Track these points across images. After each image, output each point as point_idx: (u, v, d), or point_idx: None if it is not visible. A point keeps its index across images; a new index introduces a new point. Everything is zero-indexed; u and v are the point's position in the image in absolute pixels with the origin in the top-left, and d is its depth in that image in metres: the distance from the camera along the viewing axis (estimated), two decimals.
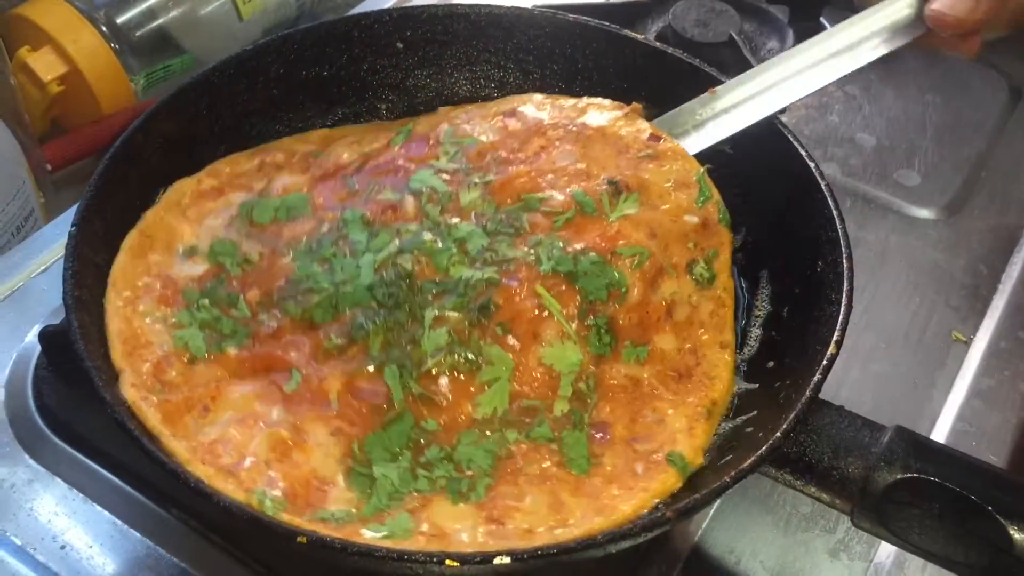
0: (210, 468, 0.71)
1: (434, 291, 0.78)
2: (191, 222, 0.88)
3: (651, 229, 0.83)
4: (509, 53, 1.02)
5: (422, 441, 0.74)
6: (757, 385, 0.82)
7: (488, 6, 1.01)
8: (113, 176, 0.84)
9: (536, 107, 0.93)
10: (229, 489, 0.69)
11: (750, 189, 0.92)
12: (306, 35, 0.98)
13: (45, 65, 1.24)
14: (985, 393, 0.94)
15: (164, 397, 0.75)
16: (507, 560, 0.62)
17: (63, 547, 0.79)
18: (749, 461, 0.67)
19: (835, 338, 0.73)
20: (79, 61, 1.24)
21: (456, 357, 0.75)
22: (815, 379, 0.71)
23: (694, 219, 0.85)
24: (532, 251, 0.80)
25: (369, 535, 0.68)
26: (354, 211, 0.85)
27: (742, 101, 0.91)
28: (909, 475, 0.67)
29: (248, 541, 0.79)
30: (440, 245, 0.81)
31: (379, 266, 0.80)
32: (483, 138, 0.90)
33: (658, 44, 0.98)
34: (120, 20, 1.28)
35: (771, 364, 0.83)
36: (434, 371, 0.75)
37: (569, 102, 0.94)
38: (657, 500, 0.72)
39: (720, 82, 0.93)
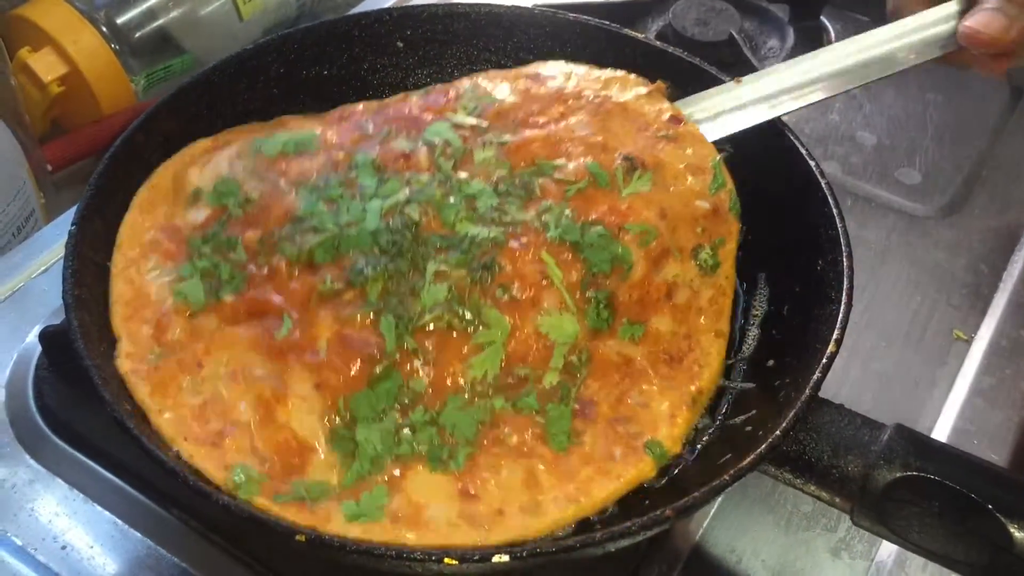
0: (192, 444, 0.70)
1: (439, 244, 0.77)
2: (200, 166, 0.87)
3: (662, 209, 0.82)
4: (509, 52, 1.02)
5: (407, 402, 0.73)
6: (757, 384, 0.82)
7: (488, 5, 1.01)
8: (113, 176, 0.84)
9: (561, 74, 0.93)
10: (210, 468, 0.69)
11: (750, 187, 0.92)
12: (306, 34, 0.98)
13: (45, 66, 1.24)
14: (986, 392, 0.94)
15: (160, 363, 0.75)
16: (506, 558, 0.62)
17: (64, 547, 0.79)
18: (748, 459, 0.67)
19: (835, 336, 0.73)
20: (79, 62, 1.24)
21: (454, 315, 0.74)
22: (815, 377, 0.71)
23: (705, 205, 0.85)
24: (541, 217, 0.79)
25: (341, 521, 0.68)
26: (366, 155, 0.84)
27: (767, 96, 0.91)
28: (909, 473, 0.67)
29: (248, 540, 0.79)
30: (450, 200, 0.80)
31: (386, 213, 0.79)
32: (504, 98, 0.89)
33: (658, 43, 0.98)
34: (120, 20, 1.28)
35: (771, 363, 0.82)
36: (430, 326, 0.74)
37: (595, 73, 0.93)
38: (629, 489, 0.72)
39: (721, 81, 0.93)
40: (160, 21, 1.30)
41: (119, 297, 0.79)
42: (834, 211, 0.81)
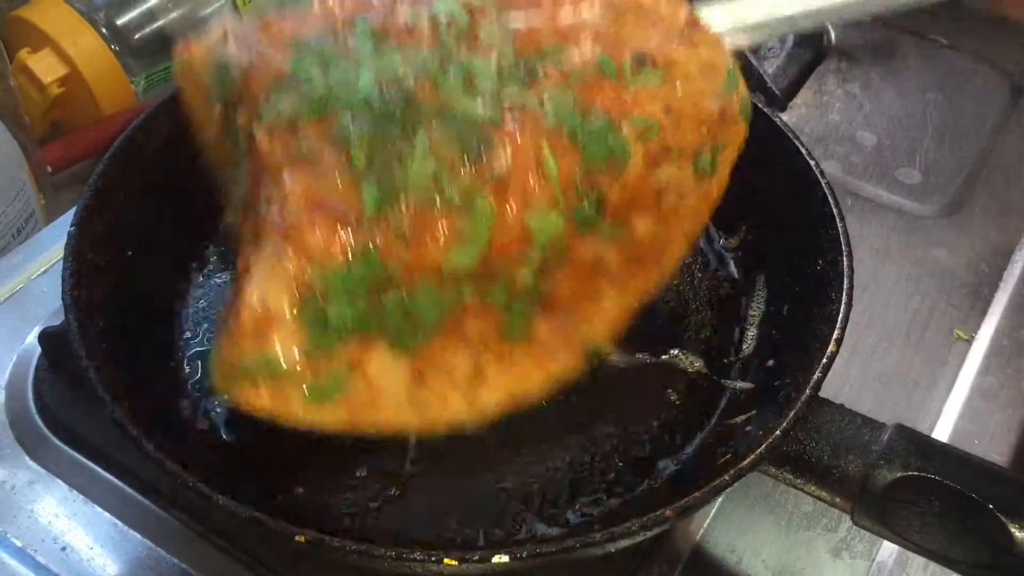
0: None
1: (432, 116, 0.72)
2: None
3: (668, 105, 0.78)
4: None
5: (381, 283, 0.69)
6: (756, 383, 0.82)
7: None
8: (113, 176, 0.84)
9: None
10: None
11: (749, 187, 0.92)
12: None
13: (45, 67, 1.24)
14: (987, 391, 0.94)
15: None
16: (505, 559, 0.62)
17: (64, 549, 0.79)
18: (748, 459, 0.67)
19: (835, 336, 0.73)
20: (79, 63, 1.25)
21: (440, 192, 0.69)
22: (815, 377, 0.71)
23: (714, 106, 0.80)
24: (541, 101, 0.74)
25: (302, 402, 0.66)
26: (366, 21, 0.78)
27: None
28: (909, 473, 0.67)
29: (248, 541, 0.79)
30: (449, 74, 0.75)
31: (380, 79, 0.73)
32: None
33: None
34: (120, 22, 1.28)
35: (771, 363, 0.83)
36: (413, 203, 0.69)
37: None
38: (554, 383, 0.72)
39: None
40: (160, 22, 1.30)
41: None
42: (834, 211, 0.81)
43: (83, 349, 0.72)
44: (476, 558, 0.63)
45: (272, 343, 0.67)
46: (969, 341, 0.98)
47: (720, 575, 0.81)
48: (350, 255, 0.68)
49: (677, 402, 0.83)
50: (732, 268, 0.93)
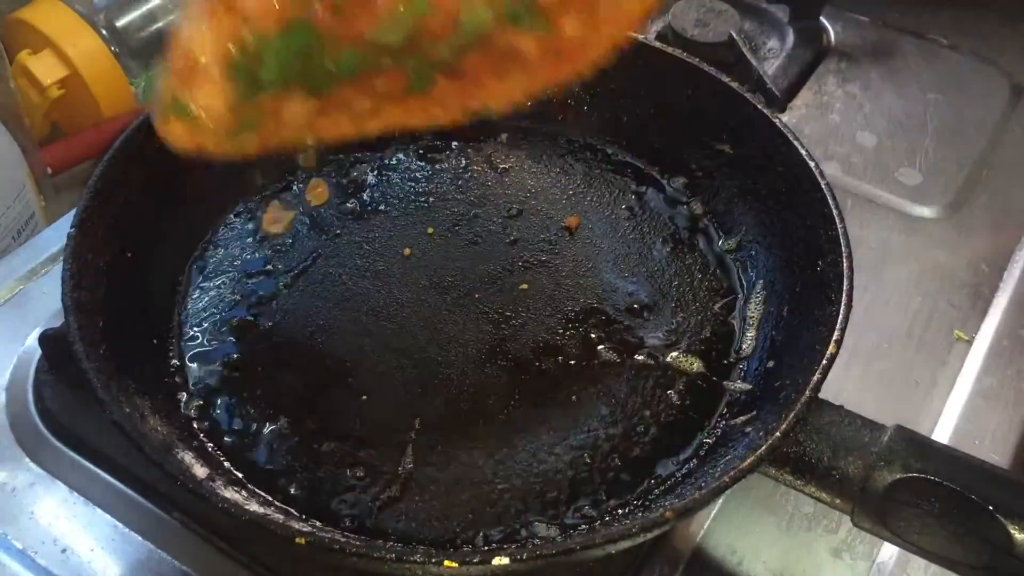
0: None
1: None
2: None
3: None
4: None
5: (311, 50, 0.70)
6: (757, 385, 0.82)
7: None
8: (112, 178, 0.84)
9: None
10: None
11: (749, 188, 0.93)
12: None
13: (45, 69, 1.24)
14: (987, 392, 0.94)
15: None
16: (505, 560, 0.62)
17: (64, 550, 0.79)
18: (748, 461, 0.67)
19: (835, 337, 0.73)
20: (79, 64, 1.25)
21: None
22: (815, 378, 0.71)
23: None
24: None
25: (217, 139, 0.70)
26: None
27: None
28: (909, 474, 0.67)
29: (248, 542, 0.79)
30: None
31: None
32: None
33: (658, 44, 0.98)
34: (120, 23, 1.28)
35: (771, 364, 0.82)
36: None
37: None
38: (430, 125, 0.74)
39: (721, 81, 0.93)
40: (160, 24, 1.30)
41: None
42: (833, 211, 0.81)
43: (83, 351, 0.72)
44: (476, 560, 0.63)
45: (201, 91, 0.70)
46: (969, 342, 0.98)
47: None
48: (287, 24, 0.70)
49: (677, 403, 0.83)
50: (732, 269, 0.93)
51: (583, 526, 0.75)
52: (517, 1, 0.73)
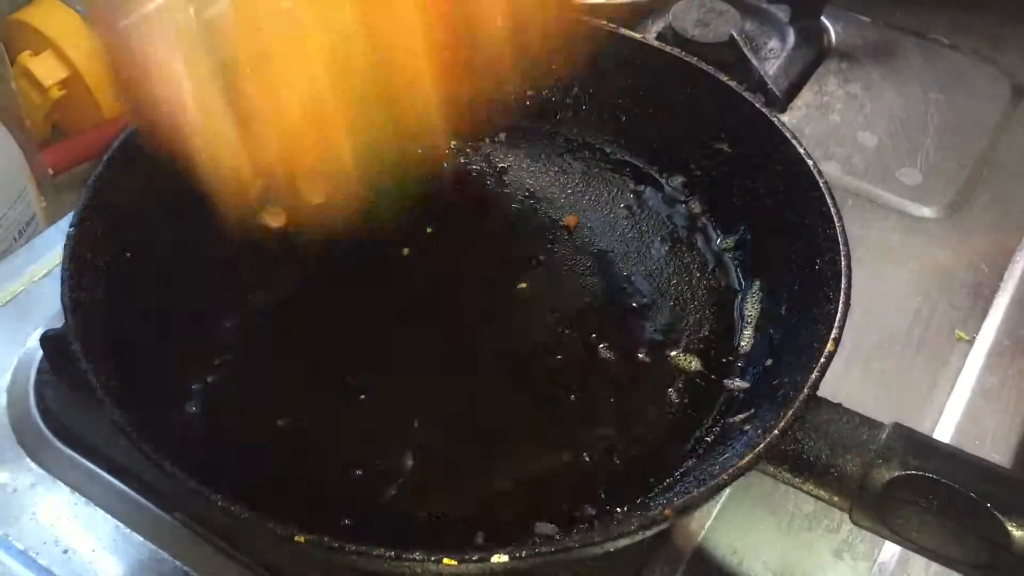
0: None
1: None
2: None
3: None
4: None
5: None
6: (755, 383, 0.82)
7: None
8: (112, 178, 0.84)
9: None
10: None
11: (748, 187, 0.93)
12: None
13: (46, 69, 1.25)
14: (988, 392, 0.94)
15: None
16: (504, 558, 0.62)
17: (66, 551, 0.79)
18: (746, 459, 0.67)
19: (833, 335, 0.73)
20: (80, 66, 1.25)
21: None
22: (813, 376, 0.71)
23: None
24: None
25: None
26: None
27: None
28: (907, 472, 0.67)
29: (249, 543, 0.79)
30: None
31: None
32: None
33: (658, 44, 0.98)
34: None
35: (769, 362, 0.82)
36: None
37: None
38: None
39: (720, 80, 0.93)
40: None
41: None
42: (832, 210, 0.81)
43: (83, 352, 0.72)
44: (475, 558, 0.63)
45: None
46: (970, 342, 0.98)
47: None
48: None
49: (676, 401, 0.83)
50: (730, 268, 0.93)
51: (583, 524, 0.75)
52: None
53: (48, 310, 0.94)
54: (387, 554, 0.64)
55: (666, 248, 0.95)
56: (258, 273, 0.91)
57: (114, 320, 0.82)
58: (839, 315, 0.74)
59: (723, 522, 0.83)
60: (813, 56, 1.27)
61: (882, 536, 0.71)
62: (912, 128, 1.19)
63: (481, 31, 0.76)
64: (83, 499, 0.82)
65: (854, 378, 0.93)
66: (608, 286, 0.91)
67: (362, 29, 0.71)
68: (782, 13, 1.27)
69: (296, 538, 0.64)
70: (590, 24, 0.99)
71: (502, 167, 1.02)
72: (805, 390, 0.70)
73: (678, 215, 0.98)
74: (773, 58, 1.24)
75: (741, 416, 0.78)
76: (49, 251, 0.99)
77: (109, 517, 0.81)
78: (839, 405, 0.73)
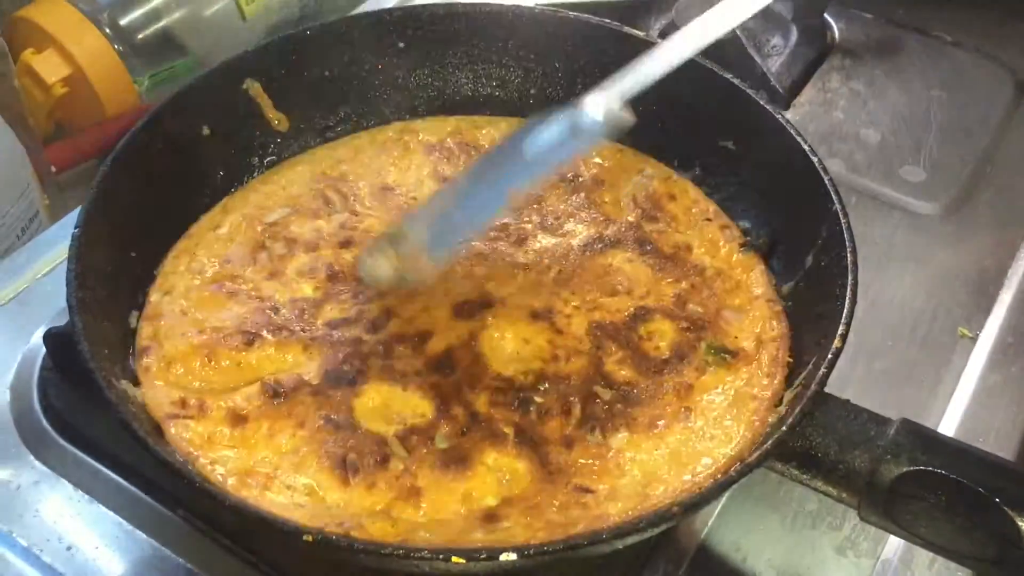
0: None
1: None
2: None
3: None
4: (511, 51, 1.02)
5: None
6: None
7: (489, 5, 1.01)
8: (117, 178, 0.84)
9: None
10: None
11: (753, 185, 0.92)
12: (308, 36, 0.98)
13: (49, 67, 1.24)
14: (992, 389, 0.94)
15: None
16: (513, 556, 0.62)
17: (69, 548, 0.79)
18: (755, 455, 0.67)
19: (840, 332, 0.73)
20: (83, 63, 1.24)
21: None
22: (821, 372, 0.71)
23: None
24: None
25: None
26: None
27: None
28: (916, 468, 0.67)
29: (254, 540, 0.79)
30: None
31: None
32: None
33: (661, 42, 0.98)
34: (124, 22, 1.28)
35: None
36: None
37: None
38: None
39: (725, 78, 0.93)
40: (163, 22, 1.30)
41: None
42: (837, 207, 0.81)
43: (88, 350, 0.72)
44: (484, 556, 0.63)
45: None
46: (974, 339, 0.98)
47: (725, 573, 0.81)
48: None
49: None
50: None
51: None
52: None
53: (51, 307, 0.94)
54: (395, 552, 0.64)
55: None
56: None
57: (118, 318, 0.82)
58: (846, 312, 0.74)
59: (727, 520, 0.83)
60: (816, 53, 1.27)
61: (890, 532, 0.71)
62: (915, 125, 1.19)
63: None
64: (86, 496, 0.82)
65: (858, 375, 0.93)
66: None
67: None
68: (785, 10, 1.27)
69: (304, 536, 0.64)
70: (593, 22, 0.99)
71: None
72: (813, 386, 0.70)
73: None
74: (776, 55, 1.24)
75: None
76: (52, 249, 0.99)
77: (112, 514, 0.81)
78: (847, 401, 0.73)
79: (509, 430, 0.76)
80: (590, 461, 0.75)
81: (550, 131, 0.75)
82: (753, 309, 0.86)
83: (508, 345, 0.82)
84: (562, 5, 1.03)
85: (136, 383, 0.79)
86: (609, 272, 0.89)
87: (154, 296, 0.85)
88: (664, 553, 0.81)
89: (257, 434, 0.76)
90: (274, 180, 0.97)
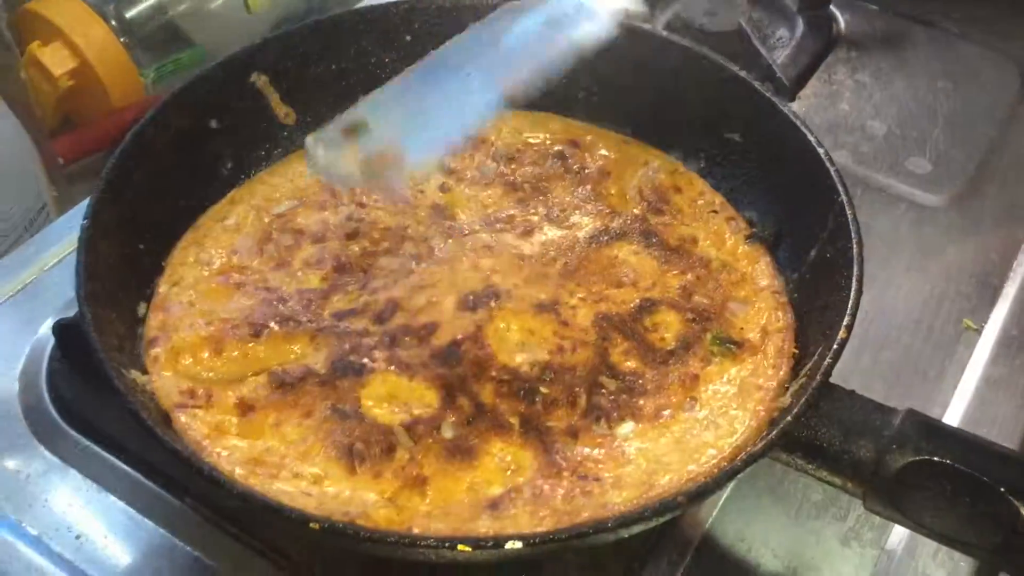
0: None
1: None
2: None
3: None
4: None
5: None
6: None
7: None
8: (124, 170, 0.84)
9: None
10: None
11: (760, 176, 0.93)
12: (314, 29, 0.98)
13: (56, 60, 1.24)
14: (996, 381, 0.94)
15: None
16: (519, 545, 0.62)
17: (78, 537, 0.80)
18: (760, 445, 0.67)
19: (845, 322, 0.73)
20: (90, 55, 1.24)
21: None
22: (826, 363, 0.71)
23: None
24: None
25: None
26: None
27: None
28: (921, 457, 0.67)
29: (261, 528, 0.79)
30: None
31: None
32: None
33: (666, 33, 0.98)
34: (130, 14, 1.28)
35: None
36: None
37: None
38: None
39: (730, 70, 0.93)
40: (170, 15, 1.30)
41: None
42: (843, 198, 0.81)
43: (97, 340, 0.72)
44: (489, 544, 0.63)
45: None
46: (978, 331, 0.98)
47: (729, 563, 0.81)
48: None
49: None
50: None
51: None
52: None
53: (60, 298, 0.94)
54: (401, 540, 0.64)
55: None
56: None
57: (126, 310, 0.83)
58: (851, 302, 0.74)
59: (731, 510, 0.83)
60: (822, 45, 1.26)
61: (895, 521, 0.71)
62: (921, 117, 1.19)
63: None
64: (95, 485, 0.83)
65: (863, 366, 0.93)
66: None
67: None
68: (791, 2, 1.27)
69: (311, 524, 0.64)
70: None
71: None
72: (818, 376, 0.71)
73: None
74: (782, 47, 1.24)
75: None
76: (60, 240, 1.00)
77: (121, 503, 0.82)
78: (852, 391, 0.73)
79: (515, 420, 0.77)
80: (595, 451, 0.75)
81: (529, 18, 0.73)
82: (759, 300, 0.86)
83: (514, 336, 0.82)
84: None
85: (144, 373, 0.79)
86: (615, 264, 0.89)
87: (162, 287, 0.86)
88: (669, 542, 0.81)
89: (265, 424, 0.76)
90: (281, 172, 0.97)
